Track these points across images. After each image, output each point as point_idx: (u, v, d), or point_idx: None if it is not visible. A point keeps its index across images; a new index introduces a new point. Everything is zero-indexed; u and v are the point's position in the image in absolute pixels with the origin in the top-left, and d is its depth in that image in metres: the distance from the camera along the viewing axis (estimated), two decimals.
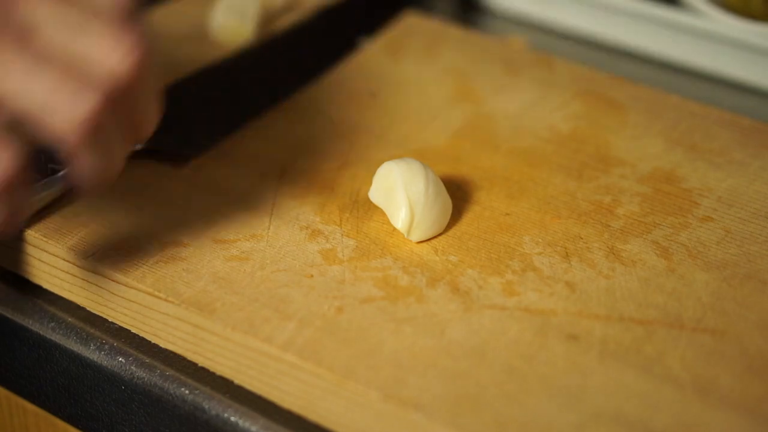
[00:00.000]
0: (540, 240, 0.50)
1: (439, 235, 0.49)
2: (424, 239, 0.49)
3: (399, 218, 0.48)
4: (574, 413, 0.41)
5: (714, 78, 0.67)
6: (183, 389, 0.46)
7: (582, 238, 0.50)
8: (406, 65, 0.62)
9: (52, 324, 0.49)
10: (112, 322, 0.48)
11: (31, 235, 0.48)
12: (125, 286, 0.47)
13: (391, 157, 0.52)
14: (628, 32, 0.69)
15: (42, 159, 0.48)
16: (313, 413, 0.44)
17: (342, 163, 0.54)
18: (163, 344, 0.47)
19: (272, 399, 0.45)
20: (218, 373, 0.46)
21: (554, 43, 0.70)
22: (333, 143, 0.51)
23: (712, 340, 0.44)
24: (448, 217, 0.50)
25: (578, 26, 0.70)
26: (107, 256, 0.47)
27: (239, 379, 0.45)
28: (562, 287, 0.47)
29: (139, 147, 0.50)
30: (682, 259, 0.49)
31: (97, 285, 0.47)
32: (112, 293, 0.47)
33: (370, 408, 0.42)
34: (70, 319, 0.49)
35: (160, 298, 0.46)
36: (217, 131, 0.55)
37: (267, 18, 0.66)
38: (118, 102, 0.40)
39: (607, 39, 0.70)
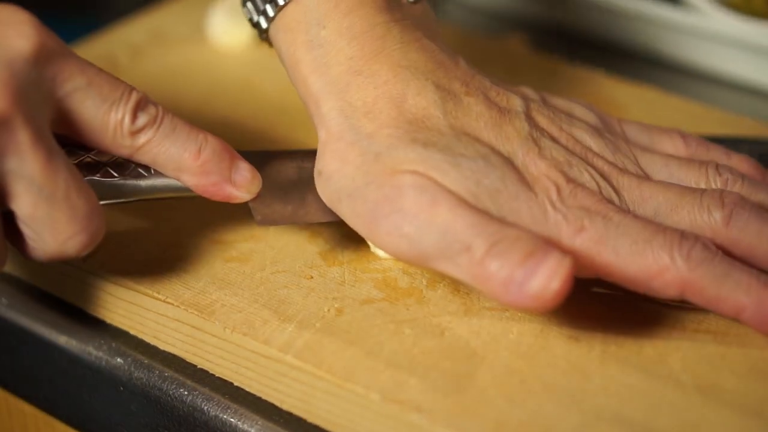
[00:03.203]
0: None
1: None
2: None
3: None
4: (575, 415, 0.41)
5: (714, 78, 0.67)
6: (182, 390, 0.46)
7: None
8: None
9: (51, 325, 0.49)
10: (110, 323, 0.48)
11: None
12: (123, 287, 0.46)
13: None
14: (628, 31, 0.69)
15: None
16: (312, 415, 0.44)
17: None
18: (162, 346, 0.47)
19: (272, 401, 0.44)
20: (217, 374, 0.46)
21: (554, 43, 0.70)
22: None
23: (713, 342, 0.44)
24: None
25: (578, 26, 0.70)
26: (105, 257, 0.47)
27: (239, 381, 0.45)
28: None
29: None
30: None
31: (94, 287, 0.47)
32: (110, 294, 0.47)
33: (370, 410, 0.42)
34: (68, 321, 0.48)
35: (158, 299, 0.46)
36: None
37: None
38: None
39: (607, 38, 0.70)
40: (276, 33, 0.47)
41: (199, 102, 0.59)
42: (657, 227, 0.43)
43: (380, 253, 0.48)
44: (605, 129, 0.48)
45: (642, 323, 0.45)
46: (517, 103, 0.47)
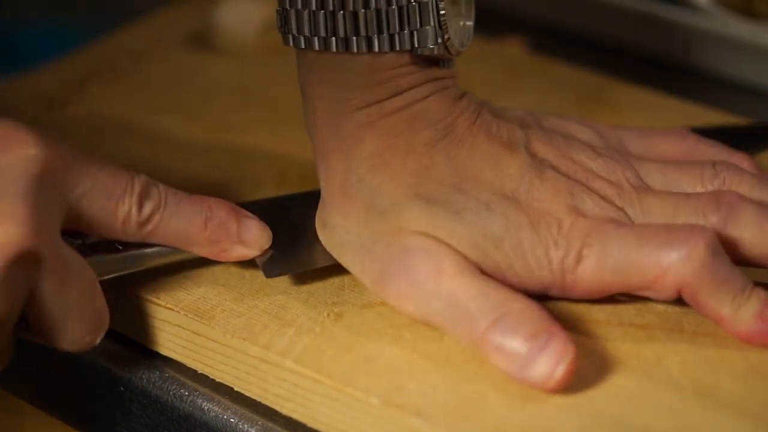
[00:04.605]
0: None
1: None
2: None
3: None
4: (574, 419, 0.41)
5: (714, 78, 0.67)
6: (182, 390, 0.46)
7: None
8: None
9: None
10: (111, 328, 0.48)
11: None
12: (123, 293, 0.47)
13: None
14: (628, 32, 0.69)
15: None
16: (312, 420, 0.44)
17: None
18: (162, 351, 0.47)
19: (272, 405, 0.45)
20: (218, 380, 0.46)
21: (553, 43, 0.70)
22: None
23: (712, 345, 0.44)
24: None
25: (578, 27, 0.70)
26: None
27: (239, 386, 0.45)
28: None
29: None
30: None
31: None
32: (110, 300, 0.47)
33: (369, 414, 0.42)
34: None
35: (159, 305, 0.46)
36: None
37: (271, 24, 0.65)
38: None
39: (607, 40, 0.70)
40: (301, 67, 0.46)
41: (200, 107, 0.59)
42: (656, 228, 0.43)
43: None
44: (602, 143, 0.48)
45: (640, 326, 0.45)
46: (517, 135, 0.46)
